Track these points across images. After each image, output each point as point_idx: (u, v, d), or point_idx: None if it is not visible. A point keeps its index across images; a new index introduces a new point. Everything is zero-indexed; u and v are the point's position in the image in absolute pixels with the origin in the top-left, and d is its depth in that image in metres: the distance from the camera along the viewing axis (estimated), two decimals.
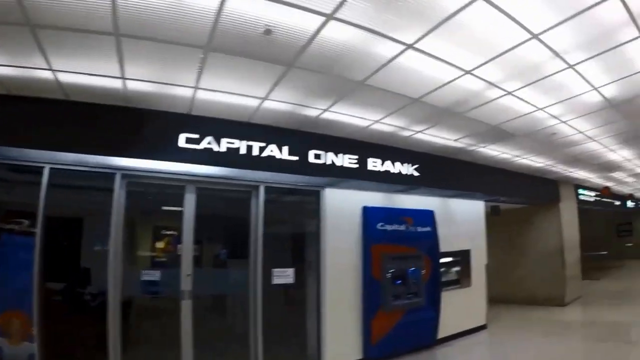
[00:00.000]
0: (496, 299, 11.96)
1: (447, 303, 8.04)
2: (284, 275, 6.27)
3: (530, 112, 5.80)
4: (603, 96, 5.42)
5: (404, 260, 7.41)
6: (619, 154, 9.46)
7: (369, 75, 4.33)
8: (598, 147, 8.34)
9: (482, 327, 8.96)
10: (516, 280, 12.46)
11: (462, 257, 8.83)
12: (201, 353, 5.66)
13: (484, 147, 7.55)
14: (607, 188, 15.36)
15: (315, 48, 3.75)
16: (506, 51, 4.00)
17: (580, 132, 7.11)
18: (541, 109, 5.70)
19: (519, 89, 4.96)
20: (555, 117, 6.11)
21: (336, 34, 3.55)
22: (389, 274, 7.16)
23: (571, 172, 11.03)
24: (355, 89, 4.67)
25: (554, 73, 4.57)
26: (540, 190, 11.42)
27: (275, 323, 6.72)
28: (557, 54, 4.15)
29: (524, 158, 8.73)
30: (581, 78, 4.77)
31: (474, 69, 4.35)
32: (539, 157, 8.80)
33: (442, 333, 7.89)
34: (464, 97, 5.10)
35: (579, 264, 12.95)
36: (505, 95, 5.11)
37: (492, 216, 10.97)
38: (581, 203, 14.11)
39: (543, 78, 4.68)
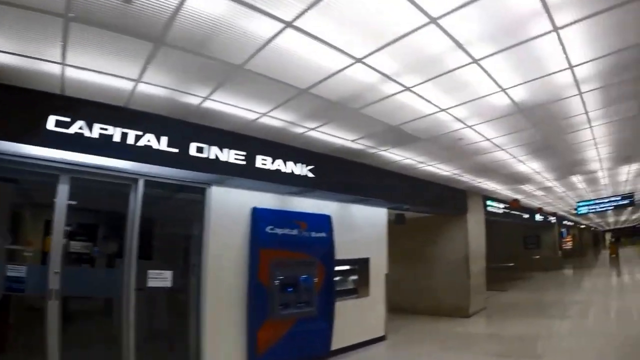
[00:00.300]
0: (401, 309, 12.33)
1: (343, 313, 8.11)
2: (161, 278, 5.97)
3: (433, 113, 5.84)
4: (512, 99, 5.50)
5: (295, 267, 7.36)
6: (528, 166, 10.03)
7: (247, 58, 4.15)
8: (506, 156, 8.76)
9: (380, 339, 9.15)
10: (422, 290, 12.92)
11: (360, 266, 8.93)
12: (68, 358, 5.32)
13: (385, 150, 7.63)
14: (516, 200, 16.50)
15: (184, 22, 3.56)
16: (401, 37, 3.84)
17: (488, 140, 7.36)
18: (445, 110, 5.73)
19: (419, 84, 4.87)
20: (460, 120, 6.21)
21: (204, 5, 3.35)
22: (278, 281, 7.07)
23: (480, 182, 11.61)
24: (234, 73, 4.48)
25: (457, 68, 4.50)
26: (448, 200, 11.88)
27: (152, 329, 6.54)
28: (459, 45, 4.04)
29: (429, 165, 8.98)
30: (487, 76, 4.78)
31: (365, 57, 4.20)
32: (445, 164, 9.09)
33: (336, 344, 7.92)
34: (357, 90, 4.98)
35: (484, 275, 13.68)
36: (403, 91, 5.02)
37: (397, 225, 11.30)
38: (489, 214, 14.94)
39: (445, 73, 4.61)
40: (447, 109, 5.75)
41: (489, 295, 15.41)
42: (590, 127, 7.18)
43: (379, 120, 6.03)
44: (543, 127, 6.95)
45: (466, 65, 4.47)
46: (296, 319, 7.33)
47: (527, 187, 13.97)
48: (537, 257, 27.14)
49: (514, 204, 16.51)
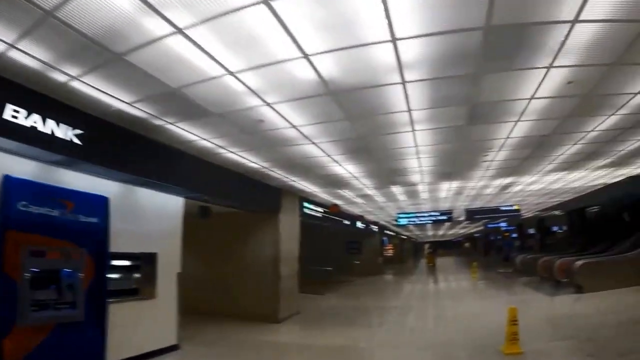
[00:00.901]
0: (205, 313, 11.86)
1: (121, 318, 7.15)
2: None
3: (220, 76, 5.06)
4: (318, 73, 4.98)
5: (55, 258, 6.16)
6: (345, 168, 10.08)
7: None
8: (319, 153, 8.56)
9: (172, 348, 8.39)
10: (228, 292, 12.49)
11: (146, 262, 8.01)
12: None
13: (173, 124, 6.74)
14: (336, 206, 16.88)
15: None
16: None
17: (294, 127, 6.97)
18: (233, 73, 4.98)
19: (192, 26, 3.98)
20: (256, 93, 5.55)
21: None
22: (29, 275, 5.81)
23: (294, 181, 11.49)
24: None
25: (241, 8, 3.71)
26: (258, 197, 11.54)
27: None
28: None
29: (232, 152, 8.42)
30: (283, 29, 4.07)
31: None
32: (250, 153, 8.60)
33: (113, 356, 6.95)
34: (114, 22, 3.90)
35: (297, 279, 13.60)
36: (175, 33, 4.10)
37: (201, 218, 10.65)
38: (307, 217, 15.08)
39: (224, 14, 3.79)
40: (236, 72, 5.01)
41: (306, 299, 15.49)
42: (413, 130, 7.38)
43: (154, 76, 5.07)
44: (359, 121, 6.83)
45: (253, 4, 3.67)
46: (55, 324, 6.14)
47: (346, 193, 14.38)
48: (358, 262, 28.67)
49: (333, 209, 16.89)
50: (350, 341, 9.42)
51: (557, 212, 28.58)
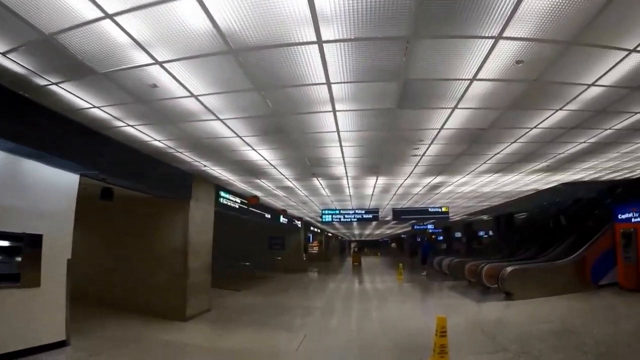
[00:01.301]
0: (106, 305, 11.40)
1: None
2: None
3: (96, 20, 4.18)
4: (212, 20, 4.14)
5: None
6: (260, 153, 9.60)
7: None
8: (227, 132, 7.98)
9: (59, 345, 7.75)
10: (133, 284, 11.91)
11: (29, 244, 7.33)
12: None
13: (57, 84, 5.78)
14: (255, 197, 16.47)
15: None
16: None
17: (194, 97, 6.17)
18: (110, 16, 4.10)
19: None
20: (140, 45, 4.62)
21: None
22: None
23: (206, 166, 10.96)
24: None
25: None
26: (166, 181, 10.94)
27: None
28: None
29: (130, 125, 7.65)
30: None
31: None
32: (150, 128, 7.84)
33: None
34: None
35: (209, 273, 13.13)
36: None
37: (103, 200, 9.93)
38: (224, 207, 14.58)
39: None
40: (115, 15, 4.11)
41: (220, 295, 15.07)
42: (334, 110, 6.84)
43: (21, 16, 4.12)
44: (270, 94, 6.15)
45: None
46: None
47: (264, 183, 13.95)
48: (280, 258, 28.61)
49: (252, 200, 16.46)
50: (260, 345, 9.10)
51: (485, 217, 29.61)
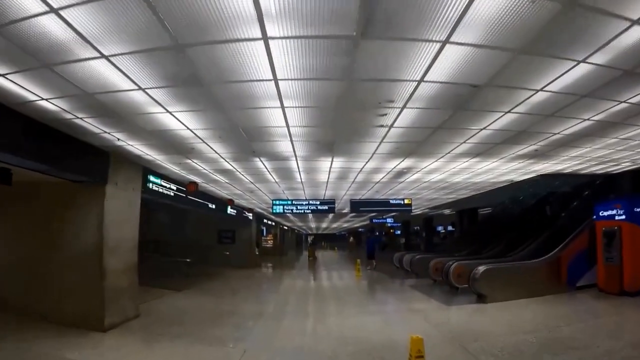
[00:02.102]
0: (19, 311, 9.57)
1: None
2: None
3: None
4: None
5: None
6: (178, 118, 7.28)
7: None
8: (123, 81, 5.58)
9: None
10: (45, 286, 9.67)
11: None
12: None
13: None
14: (193, 184, 14.28)
15: None
16: None
17: (54, 11, 3.83)
18: None
19: None
20: None
21: None
22: None
23: (120, 140, 8.67)
24: None
25: None
26: (75, 159, 8.63)
27: None
28: None
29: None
30: None
31: None
32: (23, 77, 5.48)
33: None
34: None
35: (133, 274, 10.80)
36: None
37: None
38: (153, 194, 12.34)
39: None
40: None
41: (157, 297, 13.24)
42: (266, 38, 4.44)
43: None
44: (176, 23, 4.09)
45: None
46: None
47: (199, 165, 11.66)
48: (228, 253, 26.57)
49: (190, 187, 14.26)
50: None
51: (448, 211, 28.23)
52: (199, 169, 12.18)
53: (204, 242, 25.54)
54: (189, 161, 10.95)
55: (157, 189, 12.52)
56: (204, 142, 8.86)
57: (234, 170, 12.35)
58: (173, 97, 6.26)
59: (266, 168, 12.09)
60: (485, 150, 9.99)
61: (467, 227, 27.10)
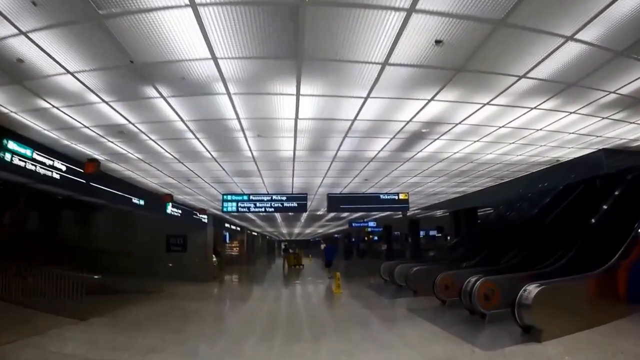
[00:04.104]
0: None
1: None
2: None
3: None
4: None
5: None
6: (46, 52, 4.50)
7: None
8: None
9: None
10: None
11: None
12: None
13: None
14: (93, 162, 9.56)
15: None
16: None
17: None
18: None
19: None
20: None
21: None
22: None
23: None
24: None
25: None
26: None
27: None
28: None
29: None
30: None
31: None
32: None
33: None
34: None
35: None
36: None
37: None
38: (17, 173, 7.82)
39: None
40: None
41: (38, 332, 8.54)
42: None
43: None
44: None
45: None
46: None
47: (78, 122, 7.09)
48: (171, 265, 21.69)
49: (90, 167, 9.46)
50: None
51: (440, 212, 23.70)
52: (90, 134, 7.66)
53: (149, 251, 20.51)
54: (61, 114, 6.40)
55: (22, 163, 7.79)
56: (93, 92, 4.80)
57: (139, 133, 7.68)
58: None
59: (181, 119, 7.12)
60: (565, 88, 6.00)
61: (472, 229, 21.94)
